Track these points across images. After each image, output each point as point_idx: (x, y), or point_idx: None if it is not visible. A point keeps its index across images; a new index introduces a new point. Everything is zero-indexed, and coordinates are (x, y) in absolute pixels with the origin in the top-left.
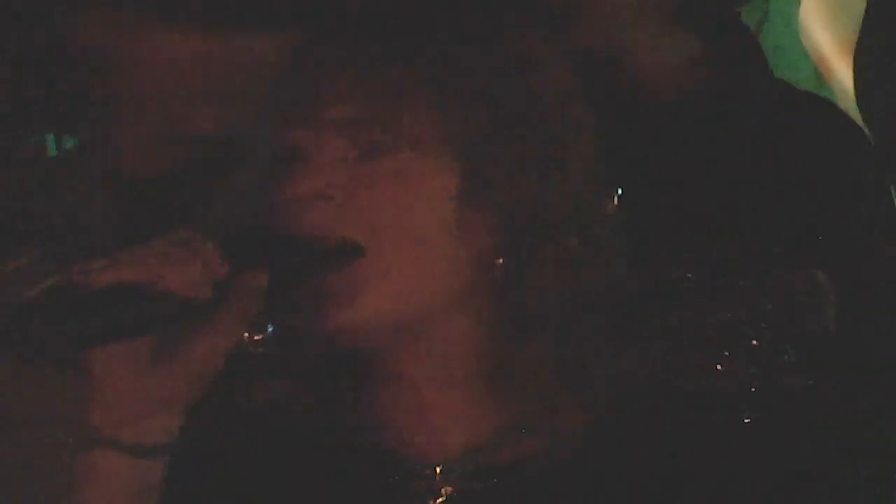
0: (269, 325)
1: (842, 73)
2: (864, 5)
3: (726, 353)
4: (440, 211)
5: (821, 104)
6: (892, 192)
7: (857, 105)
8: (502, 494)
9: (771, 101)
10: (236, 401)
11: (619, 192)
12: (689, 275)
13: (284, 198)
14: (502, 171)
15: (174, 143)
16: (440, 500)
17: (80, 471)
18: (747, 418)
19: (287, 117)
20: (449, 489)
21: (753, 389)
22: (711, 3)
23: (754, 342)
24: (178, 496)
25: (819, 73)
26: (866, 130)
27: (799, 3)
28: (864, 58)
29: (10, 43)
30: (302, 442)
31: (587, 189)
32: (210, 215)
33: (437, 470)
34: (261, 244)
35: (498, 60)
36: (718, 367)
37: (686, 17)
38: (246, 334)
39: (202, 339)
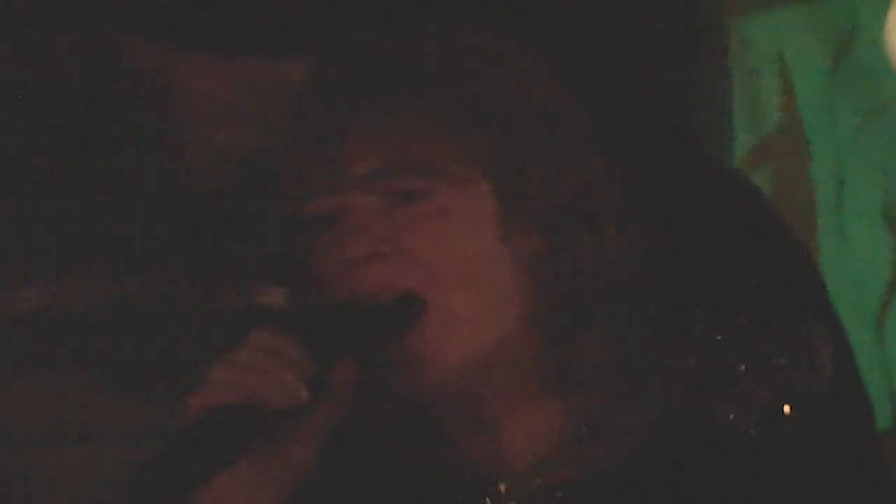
0: None
1: None
2: None
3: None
4: (487, 236)
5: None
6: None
7: None
8: None
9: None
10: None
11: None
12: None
13: (338, 265)
14: (531, 173)
15: (216, 163)
16: None
17: None
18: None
19: (310, 183)
20: None
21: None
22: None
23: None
24: None
25: None
26: None
27: (885, 20)
28: None
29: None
30: (370, 455)
31: (602, 176)
32: (253, 234)
33: (503, 487)
34: (332, 318)
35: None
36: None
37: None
38: None
39: (303, 442)
